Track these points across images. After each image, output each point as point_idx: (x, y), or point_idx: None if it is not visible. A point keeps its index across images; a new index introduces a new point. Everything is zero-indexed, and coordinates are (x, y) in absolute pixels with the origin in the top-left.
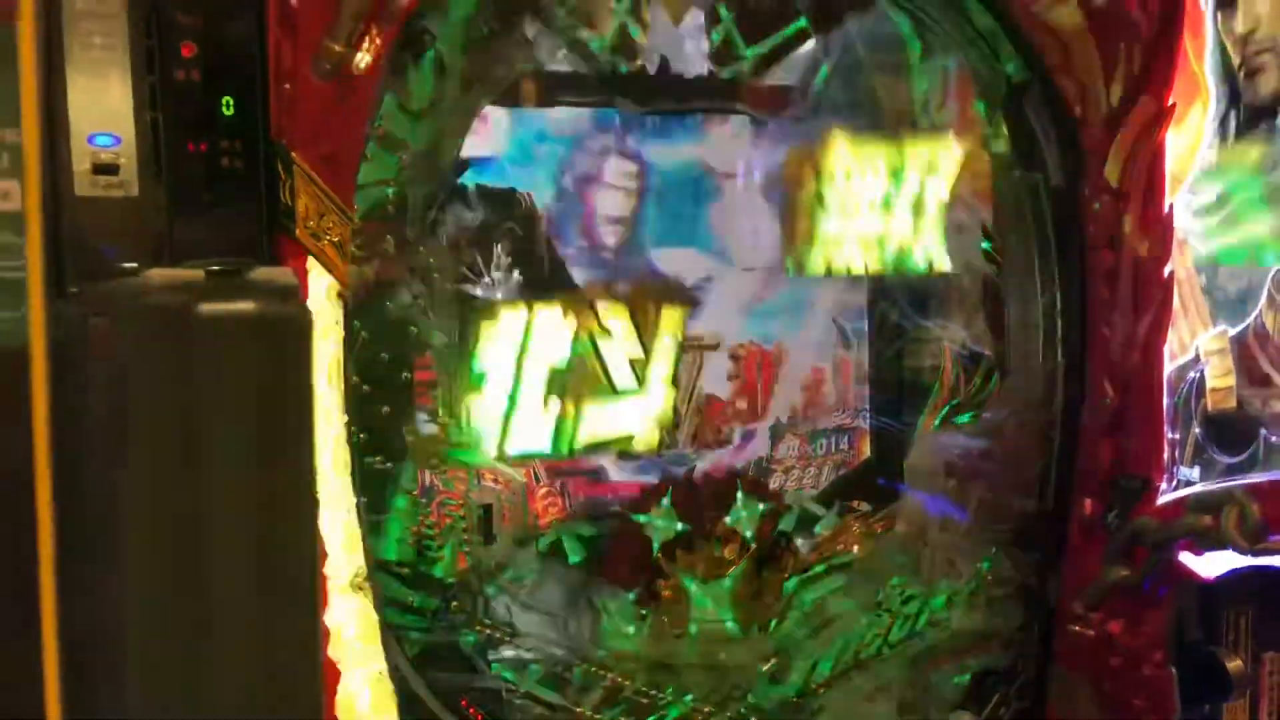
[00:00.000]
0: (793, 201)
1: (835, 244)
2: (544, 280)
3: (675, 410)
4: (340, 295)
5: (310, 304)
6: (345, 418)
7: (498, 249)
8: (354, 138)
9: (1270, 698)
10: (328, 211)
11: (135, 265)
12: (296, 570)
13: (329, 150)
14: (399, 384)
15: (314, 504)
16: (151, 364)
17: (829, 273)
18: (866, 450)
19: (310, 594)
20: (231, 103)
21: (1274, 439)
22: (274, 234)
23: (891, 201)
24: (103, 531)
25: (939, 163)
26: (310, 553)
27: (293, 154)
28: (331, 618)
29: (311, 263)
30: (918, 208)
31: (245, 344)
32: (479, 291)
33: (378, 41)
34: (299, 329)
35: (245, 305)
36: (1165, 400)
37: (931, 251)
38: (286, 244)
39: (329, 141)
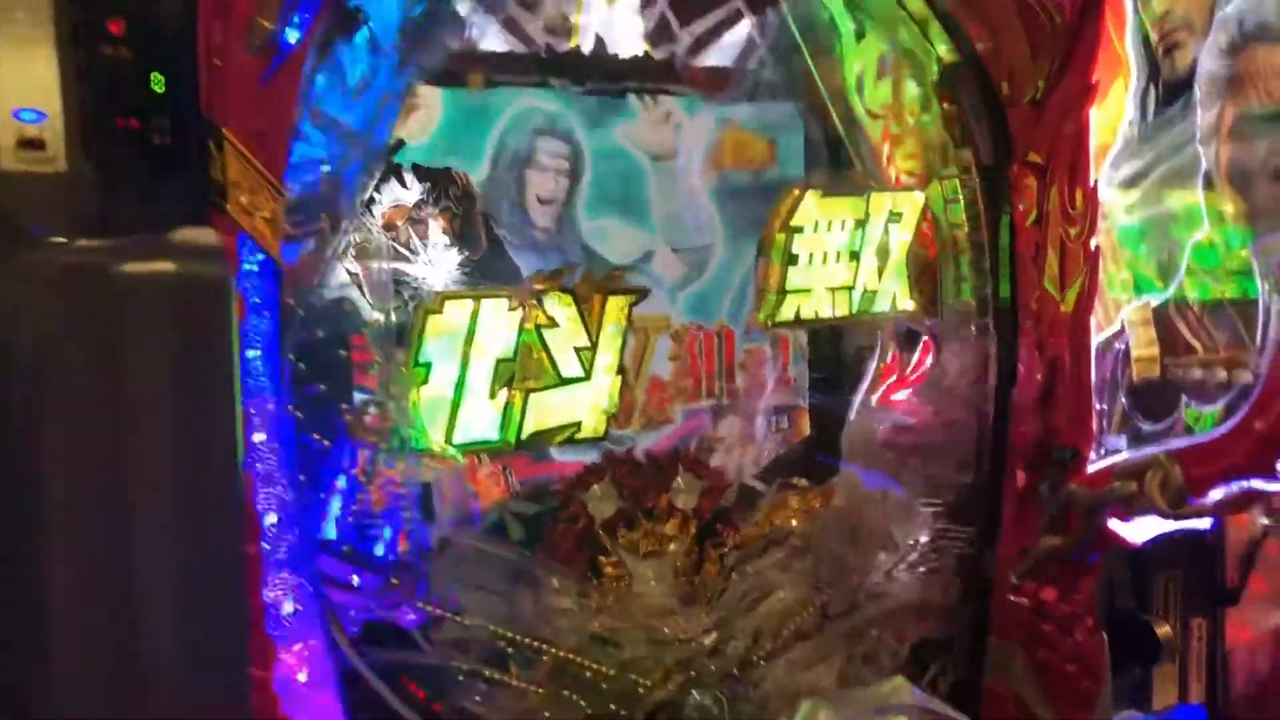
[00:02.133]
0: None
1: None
2: (482, 261)
3: (622, 394)
4: (273, 271)
5: (243, 279)
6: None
7: (434, 228)
8: (285, 114)
9: (1197, 661)
10: (259, 188)
11: (63, 241)
12: (222, 539)
13: (260, 127)
14: (336, 363)
15: (237, 467)
16: (71, 328)
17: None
18: (806, 428)
19: (235, 562)
20: (161, 79)
21: (1194, 405)
22: (205, 210)
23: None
24: (26, 500)
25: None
26: (234, 518)
27: (224, 130)
28: (268, 594)
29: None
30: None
31: (165, 305)
32: (416, 272)
33: (309, 18)
34: (220, 290)
35: (164, 266)
36: (1093, 372)
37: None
38: (218, 220)
39: (260, 118)
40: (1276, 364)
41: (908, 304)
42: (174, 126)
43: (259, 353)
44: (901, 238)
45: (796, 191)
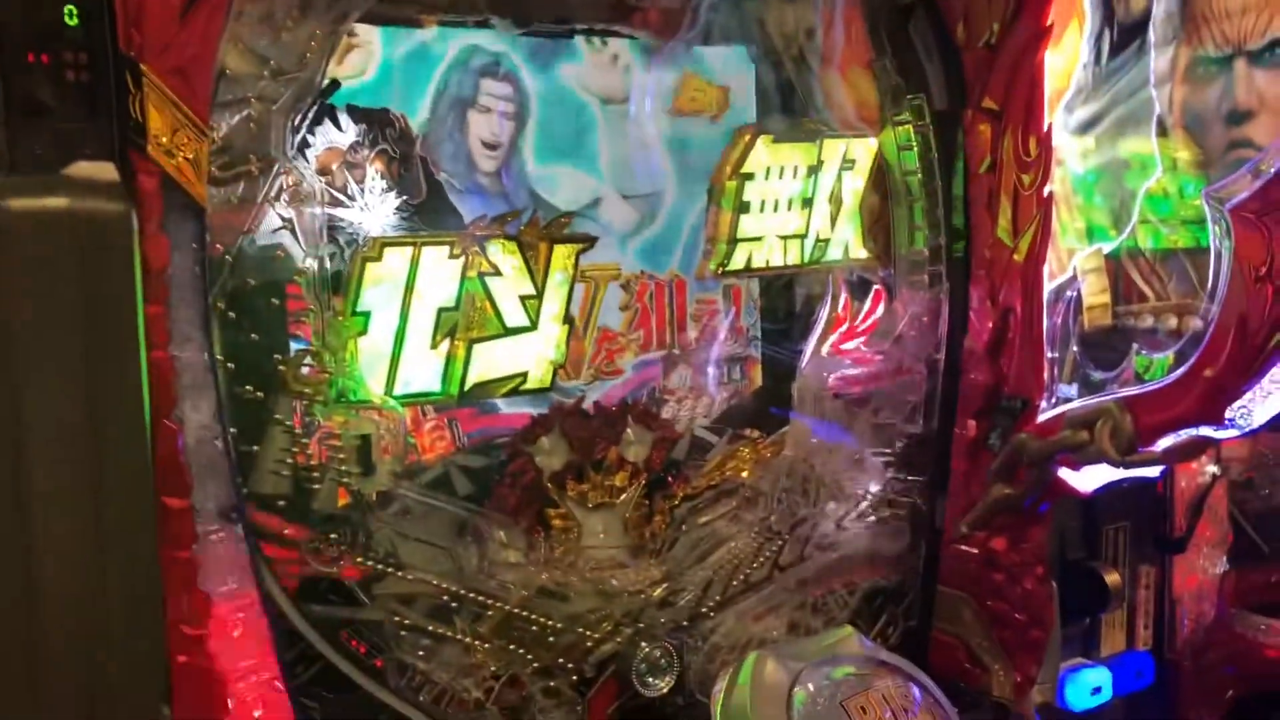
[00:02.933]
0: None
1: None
2: (422, 206)
3: (570, 344)
4: (197, 215)
5: (166, 222)
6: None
7: (371, 172)
8: (208, 50)
9: (1145, 609)
10: (181, 127)
11: None
12: (130, 483)
13: (181, 63)
14: (268, 312)
15: (142, 408)
16: None
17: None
18: (759, 379)
19: (146, 507)
20: (75, 12)
21: (1145, 353)
22: (124, 150)
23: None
24: None
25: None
26: (143, 465)
27: (142, 66)
28: (201, 548)
29: (166, 180)
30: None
31: (61, 241)
32: (352, 217)
33: None
34: (120, 226)
35: (59, 201)
36: (1045, 321)
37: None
38: (139, 161)
39: (181, 54)
40: (1227, 311)
41: (860, 252)
42: (89, 62)
43: (184, 299)
44: (855, 185)
45: (748, 137)
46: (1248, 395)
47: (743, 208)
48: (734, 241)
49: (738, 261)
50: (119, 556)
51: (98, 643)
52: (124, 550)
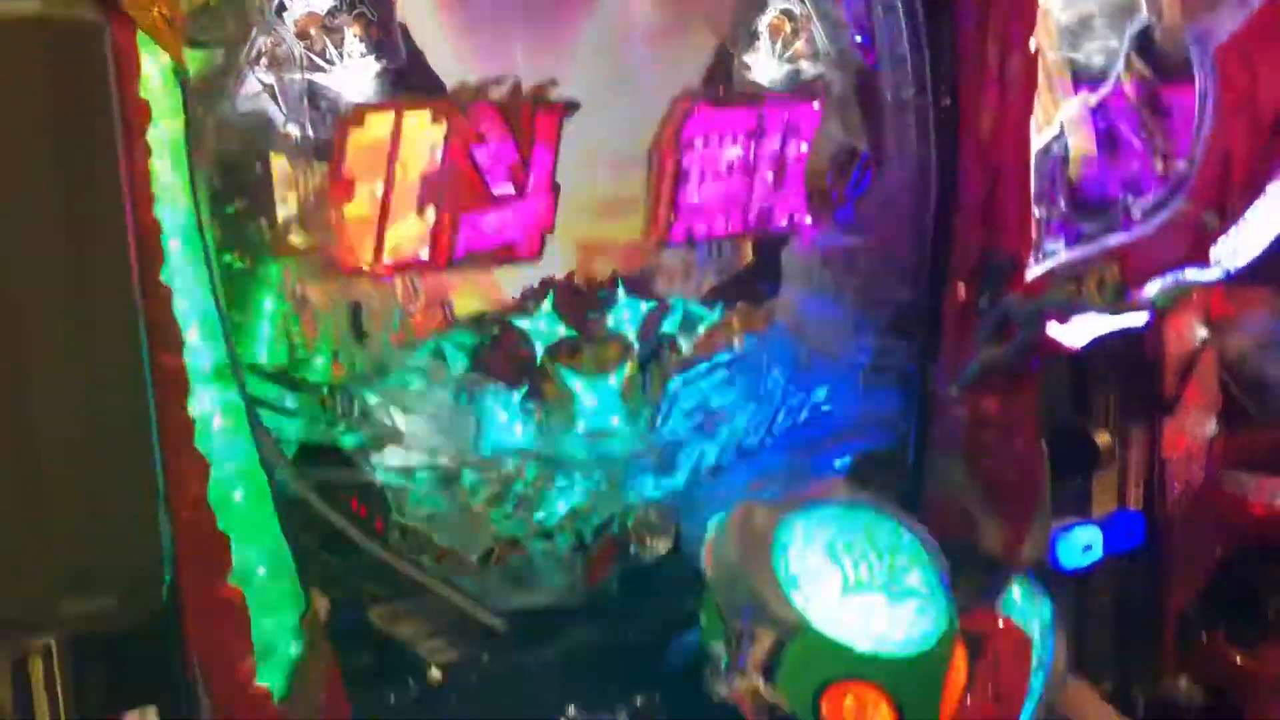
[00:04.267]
0: None
1: None
2: (403, 72)
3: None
4: (177, 75)
5: (146, 85)
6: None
7: (349, 36)
8: None
9: (1136, 469)
10: None
11: None
12: (113, 304)
13: None
14: (253, 178)
15: (123, 223)
16: None
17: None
18: (749, 253)
19: (130, 342)
20: None
21: (1131, 199)
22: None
23: None
24: None
25: None
26: (126, 293)
27: None
28: (196, 408)
29: (143, 38)
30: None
31: (30, 50)
32: (332, 82)
33: None
34: (90, 32)
35: (29, 5)
36: (1032, 178)
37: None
38: (114, 17)
39: None
40: (1211, 152)
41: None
42: None
43: (167, 163)
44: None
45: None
46: (1232, 234)
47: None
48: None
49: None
50: (108, 404)
51: (93, 490)
52: (114, 399)
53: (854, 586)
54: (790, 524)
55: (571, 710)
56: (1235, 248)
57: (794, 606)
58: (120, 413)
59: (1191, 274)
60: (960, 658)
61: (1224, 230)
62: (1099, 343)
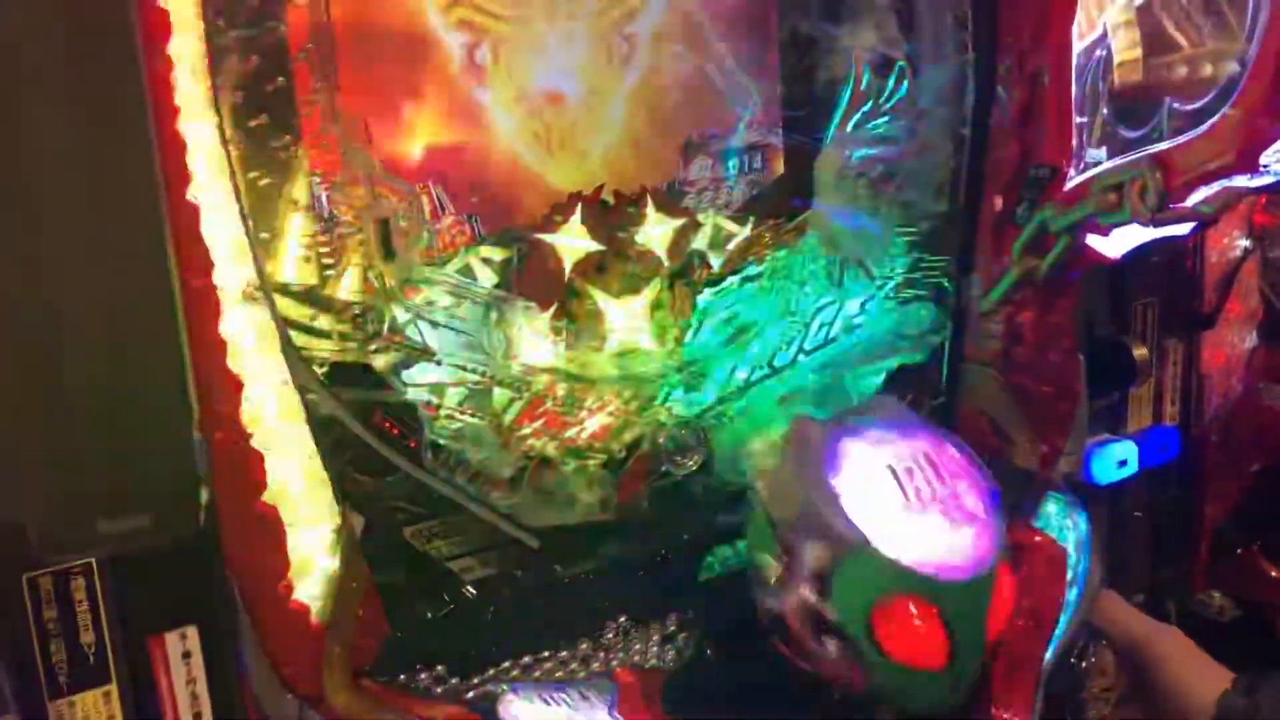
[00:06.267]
0: None
1: None
2: None
3: None
4: None
5: None
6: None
7: None
8: None
9: (1173, 384)
10: None
11: None
12: (139, 223)
13: None
14: (275, 92)
15: (148, 140)
16: None
17: None
18: (779, 167)
19: (158, 263)
20: None
21: (1177, 105)
22: None
23: None
24: None
25: None
26: (153, 212)
27: None
28: (227, 328)
29: None
30: None
31: None
32: None
33: None
34: None
35: None
36: (1073, 85)
37: None
38: None
39: None
40: (1264, 52)
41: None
42: None
43: (188, 76)
44: None
45: None
46: None
47: None
48: None
49: None
50: (137, 328)
51: (125, 412)
52: (143, 322)
53: (912, 506)
54: (849, 441)
55: (622, 618)
56: None
57: (850, 523)
58: (150, 335)
59: (1240, 181)
60: (1008, 580)
61: (1276, 136)
62: (1139, 255)
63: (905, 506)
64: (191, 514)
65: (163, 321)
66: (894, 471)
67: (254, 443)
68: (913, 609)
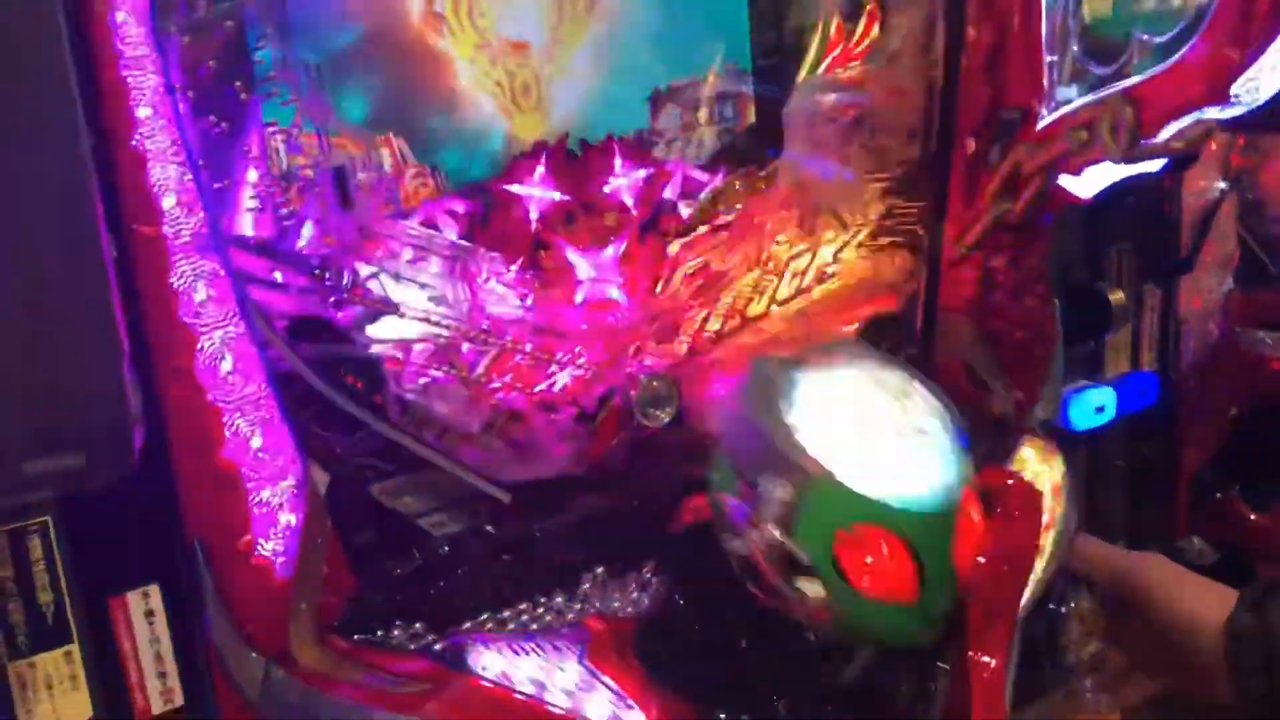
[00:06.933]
0: None
1: None
2: None
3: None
4: None
5: None
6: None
7: None
8: None
9: (1150, 330)
10: None
11: None
12: (58, 165)
13: None
14: (226, 35)
15: (66, 82)
16: None
17: None
18: (751, 116)
19: (80, 204)
20: None
21: (1146, 38)
22: None
23: None
24: None
25: None
26: (72, 154)
27: None
28: (176, 280)
29: None
30: None
31: None
32: None
33: None
34: None
35: None
36: (1043, 24)
37: None
38: None
39: None
40: None
41: None
42: None
43: (130, 17)
44: None
45: None
46: (1255, 67)
47: None
48: None
49: None
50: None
51: (50, 352)
52: (65, 261)
53: (870, 437)
54: (804, 376)
55: (599, 569)
56: (1258, 83)
57: (810, 456)
58: (73, 273)
59: (1211, 113)
60: (975, 509)
61: (1246, 64)
62: (1114, 199)
63: (864, 437)
64: (124, 453)
65: (90, 258)
66: (851, 404)
67: (210, 398)
68: (877, 537)
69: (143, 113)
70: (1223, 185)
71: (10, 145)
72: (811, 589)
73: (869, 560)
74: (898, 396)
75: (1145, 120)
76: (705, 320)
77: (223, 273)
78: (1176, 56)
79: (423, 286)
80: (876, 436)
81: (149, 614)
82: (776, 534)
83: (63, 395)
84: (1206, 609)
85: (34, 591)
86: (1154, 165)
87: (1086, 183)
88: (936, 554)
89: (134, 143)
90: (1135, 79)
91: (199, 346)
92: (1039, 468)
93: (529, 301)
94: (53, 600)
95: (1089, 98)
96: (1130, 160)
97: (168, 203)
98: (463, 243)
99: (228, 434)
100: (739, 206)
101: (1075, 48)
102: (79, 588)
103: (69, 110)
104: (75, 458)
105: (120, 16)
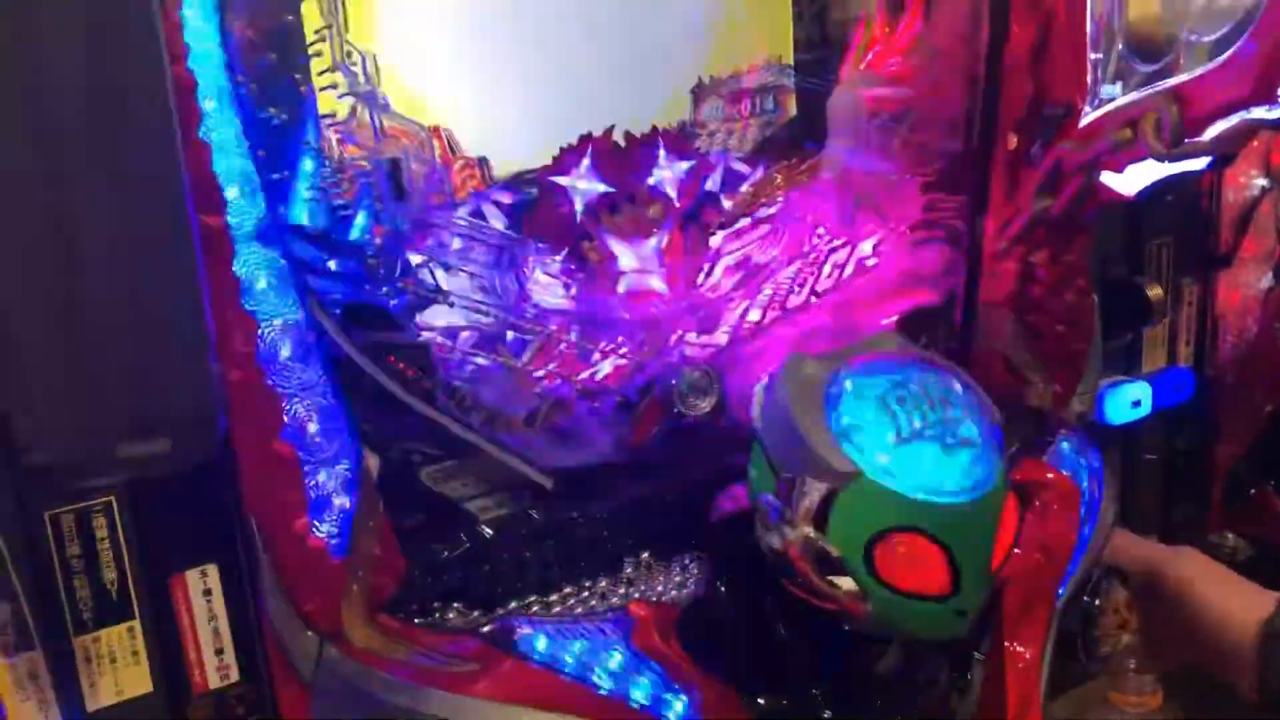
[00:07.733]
0: None
1: None
2: None
3: None
4: None
5: None
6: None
7: None
8: None
9: (1187, 325)
10: None
11: None
12: (153, 157)
13: None
14: (285, 29)
15: (161, 74)
16: None
17: None
18: (792, 109)
19: (172, 196)
20: None
21: (1193, 38)
22: None
23: None
24: None
25: None
26: (168, 146)
27: None
28: (239, 269)
29: None
30: None
31: None
32: None
33: None
34: None
35: None
36: (1088, 20)
37: None
38: None
39: None
40: None
41: None
42: None
43: (197, 13)
44: None
45: None
46: None
47: None
48: None
49: None
50: (153, 256)
51: (143, 338)
52: (158, 250)
53: (907, 436)
54: (842, 374)
55: (645, 554)
56: None
57: (846, 455)
58: (166, 264)
59: (1258, 113)
60: (1012, 509)
61: None
62: (1155, 194)
63: (899, 436)
64: (209, 438)
65: (182, 249)
66: (888, 402)
67: (269, 383)
68: (912, 537)
69: (208, 105)
70: (1264, 182)
71: (113, 137)
72: (846, 585)
73: (903, 557)
74: (939, 402)
75: (1190, 119)
76: (746, 311)
77: (283, 261)
78: (1224, 56)
79: (471, 276)
80: (916, 439)
81: (207, 592)
82: (811, 532)
83: (153, 382)
84: (1238, 606)
85: (99, 569)
86: (1198, 164)
87: (1129, 180)
88: (970, 549)
89: (200, 134)
90: (1181, 77)
91: (260, 333)
92: (1076, 461)
93: (573, 291)
94: (116, 578)
95: (1133, 95)
96: (1174, 159)
97: (231, 193)
98: (510, 233)
99: (286, 419)
100: (780, 199)
101: (1120, 45)
102: (141, 566)
103: (163, 104)
104: (163, 443)
105: (188, 13)
